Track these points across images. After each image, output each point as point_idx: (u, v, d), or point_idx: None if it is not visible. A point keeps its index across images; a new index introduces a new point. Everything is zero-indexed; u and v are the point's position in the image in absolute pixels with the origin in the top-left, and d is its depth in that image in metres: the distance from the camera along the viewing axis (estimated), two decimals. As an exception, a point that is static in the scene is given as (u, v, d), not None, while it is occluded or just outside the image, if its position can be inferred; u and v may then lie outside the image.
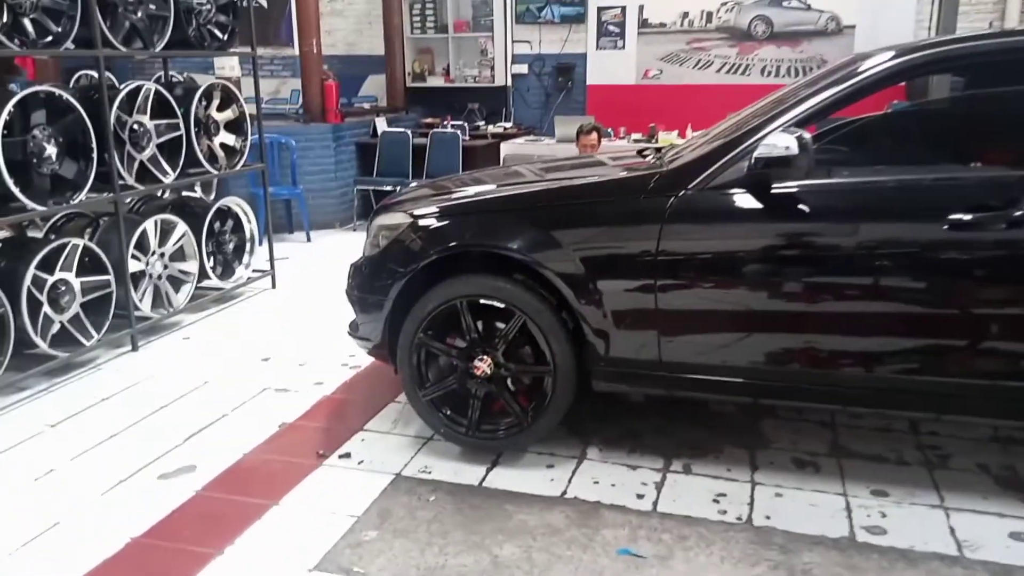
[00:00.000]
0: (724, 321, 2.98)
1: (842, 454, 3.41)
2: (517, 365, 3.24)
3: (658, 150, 3.84)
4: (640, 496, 3.09)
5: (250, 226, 5.73)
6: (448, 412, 3.34)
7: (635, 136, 7.56)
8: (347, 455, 3.44)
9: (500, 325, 3.25)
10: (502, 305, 3.15)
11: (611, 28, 8.91)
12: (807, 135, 2.77)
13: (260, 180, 6.16)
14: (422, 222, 3.28)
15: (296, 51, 9.14)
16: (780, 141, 2.74)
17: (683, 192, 2.94)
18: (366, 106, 9.38)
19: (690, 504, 3.03)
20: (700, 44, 8.65)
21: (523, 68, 9.38)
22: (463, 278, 3.19)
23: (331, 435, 3.65)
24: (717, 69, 8.64)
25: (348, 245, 7.78)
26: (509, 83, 9.46)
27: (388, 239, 3.33)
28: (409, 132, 8.36)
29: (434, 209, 3.33)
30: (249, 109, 5.79)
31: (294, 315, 5.51)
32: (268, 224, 6.13)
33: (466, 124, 8.90)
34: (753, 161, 2.83)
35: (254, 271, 5.95)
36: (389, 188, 8.05)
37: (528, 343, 3.27)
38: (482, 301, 3.18)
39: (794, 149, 2.71)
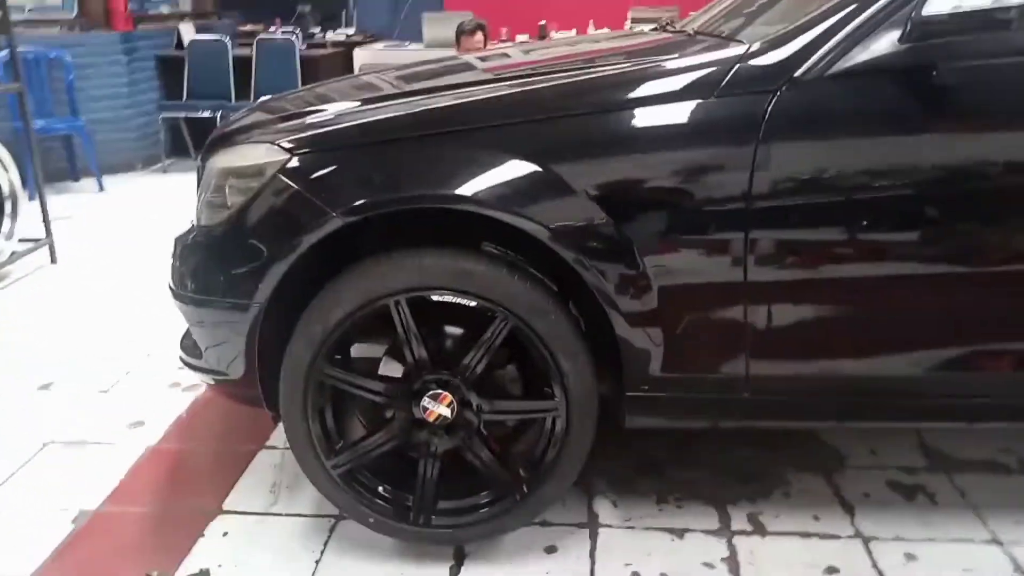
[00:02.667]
0: (873, 304, 1.76)
1: (948, 465, 2.36)
2: (499, 402, 1.89)
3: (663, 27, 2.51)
4: (716, 595, 1.88)
5: (8, 176, 3.90)
6: (382, 488, 1.95)
7: (521, 37, 6.15)
8: (200, 574, 1.98)
9: (452, 333, 1.90)
10: (471, 303, 1.77)
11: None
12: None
13: (20, 111, 4.27)
14: (306, 161, 1.80)
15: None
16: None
17: (788, 84, 1.65)
18: (164, 10, 7.32)
19: (803, 603, 1.86)
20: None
21: (364, -41, 7.66)
22: (398, 258, 1.76)
23: (168, 533, 2.16)
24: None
25: (158, 192, 6.00)
26: (348, -20, 7.71)
27: (245, 194, 1.83)
28: (227, 41, 6.50)
29: (326, 134, 1.85)
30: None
31: (86, 305, 3.79)
32: (37, 172, 4.29)
33: (298, 31, 7.11)
34: (913, 25, 1.59)
35: (21, 241, 4.13)
36: (207, 115, 6.27)
37: (512, 361, 1.93)
38: (435, 298, 1.78)
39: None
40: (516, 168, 1.69)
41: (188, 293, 1.93)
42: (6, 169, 3.90)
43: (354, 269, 1.78)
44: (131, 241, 4.64)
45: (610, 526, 2.13)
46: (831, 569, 1.96)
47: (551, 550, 2.04)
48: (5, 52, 4.64)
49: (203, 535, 2.11)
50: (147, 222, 5.03)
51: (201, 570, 1.98)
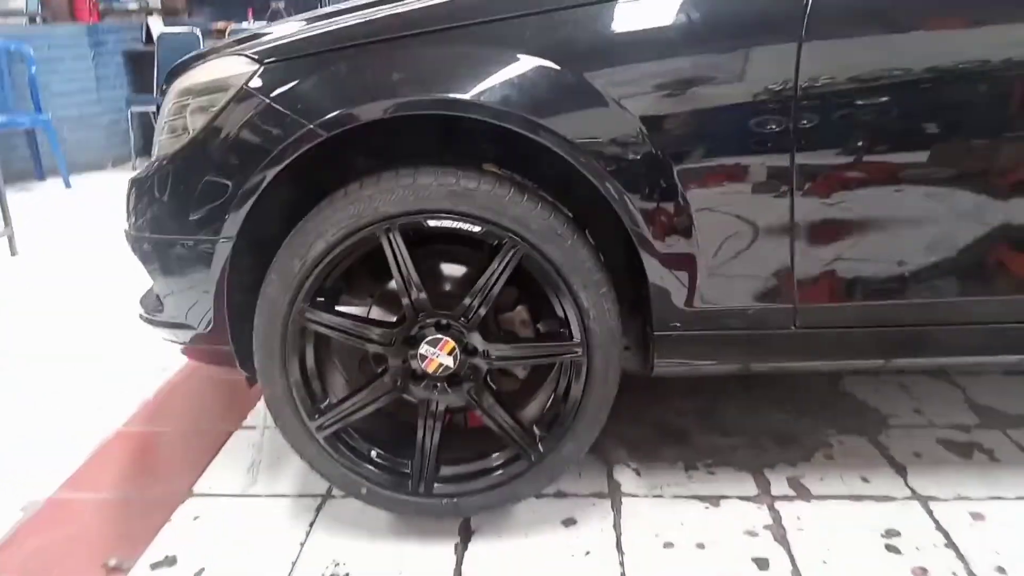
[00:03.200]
0: (934, 221, 1.52)
1: (1001, 422, 2.15)
2: (508, 346, 1.63)
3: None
4: (762, 566, 1.63)
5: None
6: (372, 454, 1.68)
7: None
8: (166, 561, 1.71)
9: (452, 272, 1.65)
10: (474, 228, 1.52)
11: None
12: None
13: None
14: (278, 70, 1.54)
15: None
16: None
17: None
18: (132, 6, 7.05)
19: (861, 568, 1.61)
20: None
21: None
22: (389, 178, 1.51)
23: (130, 519, 1.88)
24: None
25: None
26: (323, -27, 7.48)
27: (207, 114, 1.57)
28: (199, 32, 6.24)
29: (300, 41, 1.59)
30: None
31: (46, 296, 3.51)
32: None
33: (273, 25, 6.86)
34: None
35: (-23, 232, 3.85)
36: (179, 109, 5.96)
37: (522, 301, 1.68)
38: (431, 223, 1.52)
39: None
40: (531, 68, 1.44)
41: (146, 234, 1.67)
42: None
43: (337, 195, 1.52)
44: (96, 236, 4.35)
45: (634, 495, 1.88)
46: (891, 532, 1.72)
47: (569, 522, 1.78)
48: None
49: (170, 520, 1.84)
50: (114, 218, 4.72)
51: (167, 557, 1.70)
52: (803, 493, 1.86)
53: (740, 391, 2.35)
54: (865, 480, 1.90)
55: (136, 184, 1.69)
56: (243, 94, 1.53)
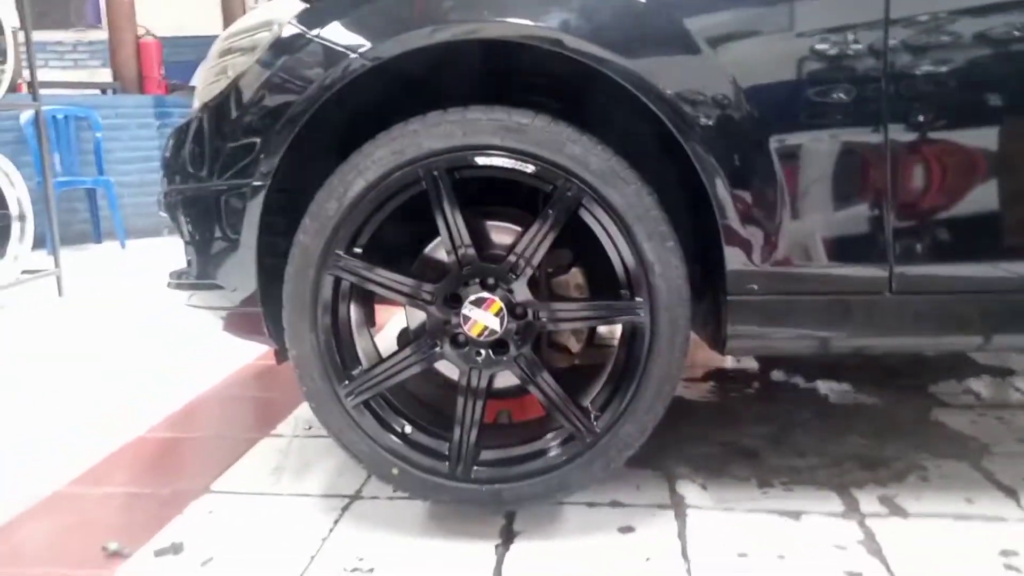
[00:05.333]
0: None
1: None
2: (561, 305, 1.46)
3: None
4: (857, 578, 1.38)
5: (15, 194, 3.64)
6: (406, 430, 1.50)
7: None
8: (172, 548, 1.52)
9: (502, 231, 1.51)
10: (527, 167, 1.38)
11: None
12: None
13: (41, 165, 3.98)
14: (327, 6, 1.47)
15: (106, 34, 7.04)
16: None
17: None
18: (200, 86, 7.33)
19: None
20: None
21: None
22: (435, 116, 1.39)
23: (138, 511, 1.71)
24: None
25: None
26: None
27: (249, 54, 1.49)
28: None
29: None
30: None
31: (87, 334, 3.44)
32: (51, 214, 4.00)
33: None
34: None
35: (24, 272, 3.83)
36: (236, 178, 6.06)
37: (579, 260, 1.52)
38: (480, 161, 1.39)
39: None
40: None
41: (178, 186, 1.57)
42: (13, 185, 3.64)
43: (378, 135, 1.41)
44: (142, 290, 4.31)
45: (700, 508, 1.64)
46: (1008, 552, 1.45)
47: (627, 529, 1.56)
48: (32, 112, 4.50)
49: (181, 513, 1.66)
50: (162, 278, 4.75)
51: (173, 544, 1.52)
52: (897, 511, 1.61)
53: (814, 419, 2.12)
54: (969, 501, 1.65)
55: (175, 134, 1.61)
56: (288, 31, 1.45)
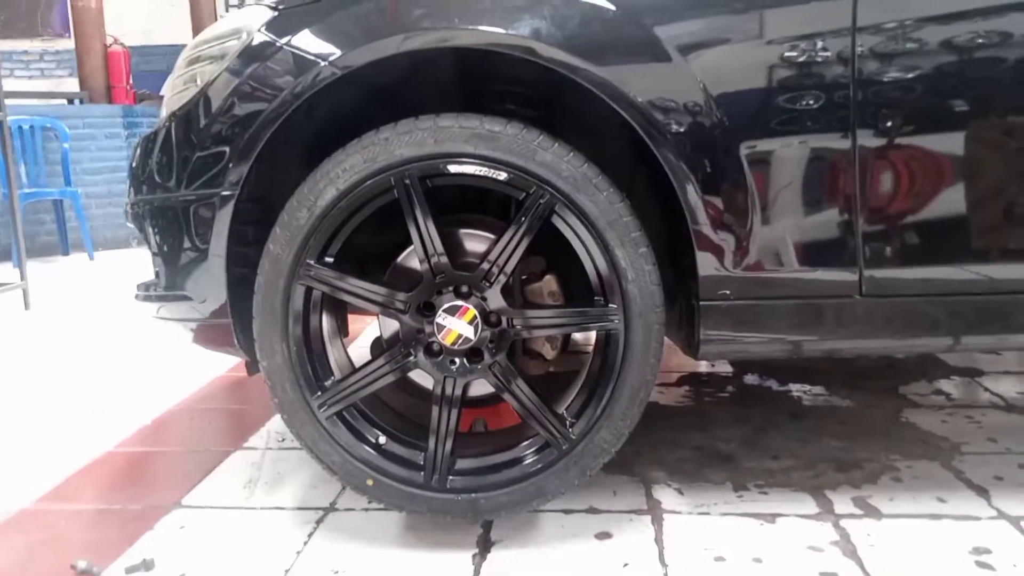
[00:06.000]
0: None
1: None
2: (534, 311, 1.46)
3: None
4: (831, 580, 1.39)
5: (-21, 206, 3.58)
6: (380, 440, 1.49)
7: None
8: (143, 564, 1.49)
9: (475, 239, 1.51)
10: (498, 175, 1.38)
11: None
12: None
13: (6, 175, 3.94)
14: (296, 14, 1.45)
15: (73, 43, 6.94)
16: None
17: None
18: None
19: (955, 585, 1.37)
20: None
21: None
22: (407, 123, 1.38)
23: (108, 527, 1.68)
24: None
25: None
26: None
27: (218, 63, 1.48)
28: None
29: None
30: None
31: (55, 347, 3.38)
32: (17, 225, 3.94)
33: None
34: None
35: (-9, 285, 3.77)
36: (207, 188, 6.00)
37: (553, 267, 1.52)
38: (452, 169, 1.38)
39: None
40: (589, 9, 1.34)
41: (145, 196, 1.55)
42: (-21, 197, 3.57)
43: (350, 143, 1.40)
44: (109, 302, 4.24)
45: (677, 512, 1.65)
46: (980, 549, 1.47)
47: (604, 536, 1.56)
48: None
49: (152, 528, 1.63)
50: (131, 290, 4.68)
51: (144, 560, 1.49)
52: (871, 512, 1.63)
53: (788, 421, 2.14)
54: (942, 500, 1.67)
55: (142, 143, 1.59)
56: (257, 39, 1.44)
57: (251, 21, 1.46)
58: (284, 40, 1.41)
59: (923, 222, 1.37)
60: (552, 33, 1.33)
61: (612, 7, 1.34)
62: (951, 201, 1.37)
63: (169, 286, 1.56)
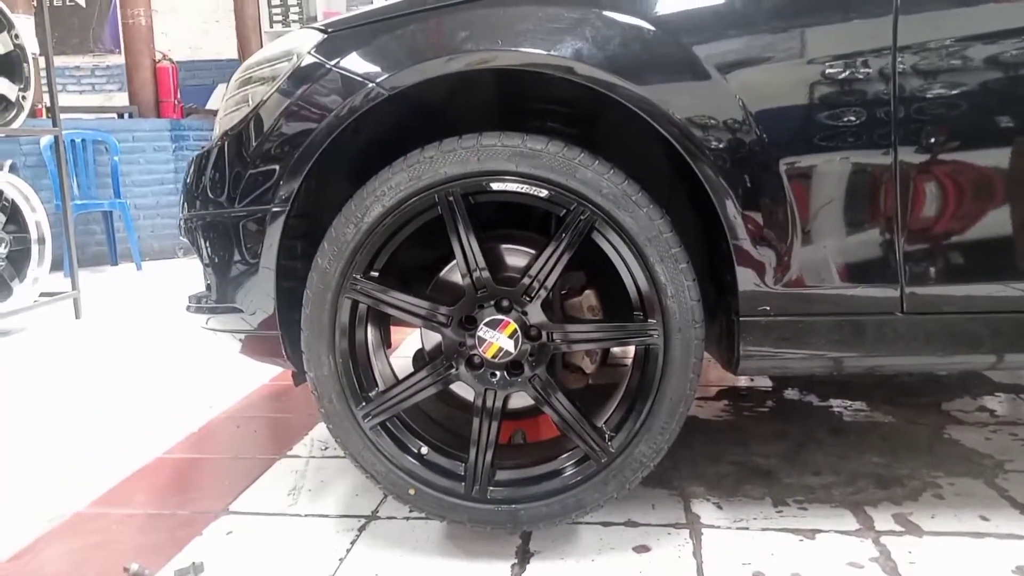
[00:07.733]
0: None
1: None
2: (574, 326, 1.48)
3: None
4: (873, 596, 1.39)
5: (35, 217, 3.70)
6: (422, 451, 1.52)
7: None
8: (192, 568, 1.54)
9: (523, 252, 1.53)
10: (540, 192, 1.41)
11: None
12: None
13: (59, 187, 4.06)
14: (345, 37, 1.50)
15: (123, 59, 7.14)
16: None
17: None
18: (214, 107, 7.42)
19: (1000, 603, 1.35)
20: None
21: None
22: (450, 142, 1.42)
23: (158, 532, 1.73)
24: None
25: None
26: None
27: (269, 84, 1.53)
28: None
29: (371, 12, 1.53)
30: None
31: (105, 356, 3.48)
32: (69, 237, 4.06)
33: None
34: None
35: (43, 295, 3.88)
36: (251, 200, 6.13)
37: (593, 282, 1.54)
38: (495, 186, 1.42)
39: None
40: (628, 29, 1.37)
41: (198, 212, 1.61)
42: (33, 209, 3.70)
43: (395, 162, 1.44)
44: (158, 311, 4.35)
45: (716, 527, 1.65)
46: (1022, 569, 1.46)
47: (642, 549, 1.57)
48: (51, 137, 4.58)
49: (200, 534, 1.68)
50: (178, 299, 4.80)
51: (193, 564, 1.54)
52: (912, 529, 1.62)
53: (828, 437, 2.12)
54: (984, 519, 1.65)
55: (196, 161, 1.64)
56: (307, 61, 1.48)
57: (301, 44, 1.51)
58: (333, 62, 1.46)
59: (965, 239, 1.37)
60: (591, 53, 1.36)
61: (651, 27, 1.37)
62: (992, 218, 1.36)
63: (220, 298, 1.61)
